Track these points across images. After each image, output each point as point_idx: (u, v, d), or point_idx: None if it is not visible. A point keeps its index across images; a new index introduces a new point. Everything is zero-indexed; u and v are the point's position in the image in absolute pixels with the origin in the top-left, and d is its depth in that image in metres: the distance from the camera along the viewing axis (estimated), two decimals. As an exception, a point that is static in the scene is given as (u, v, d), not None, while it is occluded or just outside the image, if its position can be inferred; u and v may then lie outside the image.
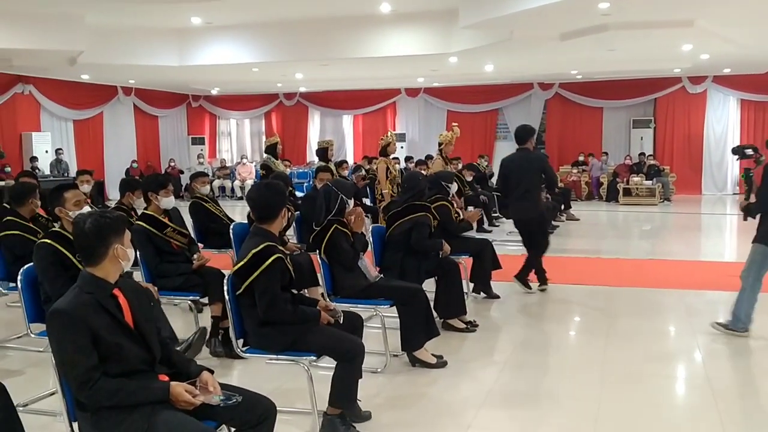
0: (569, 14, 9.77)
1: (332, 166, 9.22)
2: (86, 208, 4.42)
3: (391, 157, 10.12)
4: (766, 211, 5.24)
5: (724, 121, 18.10)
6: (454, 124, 10.13)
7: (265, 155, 10.04)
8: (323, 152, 9.54)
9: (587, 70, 16.80)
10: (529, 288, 6.96)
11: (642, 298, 6.87)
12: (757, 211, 5.31)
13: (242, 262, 3.63)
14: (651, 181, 16.44)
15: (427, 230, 5.74)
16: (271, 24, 13.03)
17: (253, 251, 3.60)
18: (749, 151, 5.93)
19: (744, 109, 18.19)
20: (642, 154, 17.62)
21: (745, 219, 5.43)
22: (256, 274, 3.57)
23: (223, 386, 2.79)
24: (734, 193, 17.98)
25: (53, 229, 4.47)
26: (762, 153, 6.01)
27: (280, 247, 3.70)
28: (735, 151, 6.33)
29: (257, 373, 4.59)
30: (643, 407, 4.15)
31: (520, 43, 11.64)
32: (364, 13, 12.14)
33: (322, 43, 13.12)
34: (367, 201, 11.67)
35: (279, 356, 3.71)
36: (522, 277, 7.00)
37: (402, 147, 19.88)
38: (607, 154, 18.38)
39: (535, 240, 6.93)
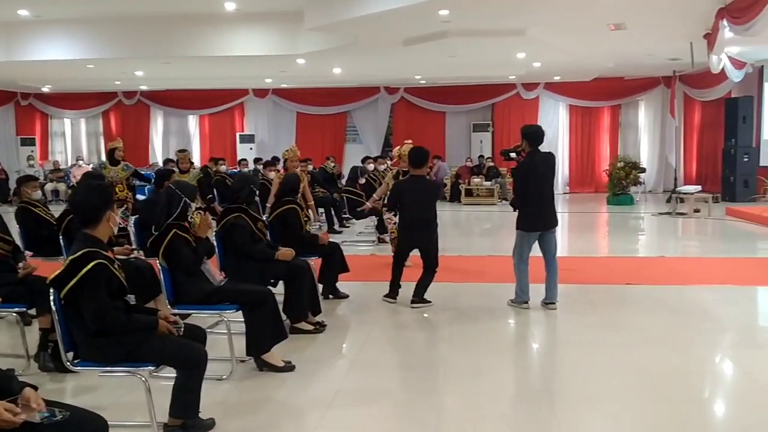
0: (411, 20, 10.06)
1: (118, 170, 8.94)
2: None
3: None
4: (519, 204, 6.40)
5: (555, 126, 19.34)
6: (407, 141, 8.99)
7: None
8: (110, 154, 9.23)
9: (430, 75, 17.42)
10: (429, 302, 6.56)
11: (484, 292, 7.19)
12: (515, 204, 6.47)
13: (59, 270, 3.43)
14: (490, 182, 17.30)
15: (243, 232, 5.48)
16: (107, 19, 12.32)
17: (71, 258, 3.41)
18: (513, 155, 6.71)
19: (572, 114, 19.65)
20: (481, 156, 18.50)
21: (514, 210, 6.52)
22: (72, 282, 3.37)
23: (49, 403, 2.61)
24: (565, 192, 19.33)
25: None
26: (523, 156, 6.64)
27: (105, 253, 3.49)
28: (502, 153, 7.04)
29: (93, 387, 4.34)
30: (485, 402, 4.33)
31: (366, 47, 11.85)
32: (208, 10, 11.79)
33: (164, 40, 12.62)
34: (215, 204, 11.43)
35: (113, 368, 3.52)
36: (420, 299, 6.57)
37: (251, 149, 19.61)
38: (439, 157, 18.85)
39: (434, 263, 6.59)
